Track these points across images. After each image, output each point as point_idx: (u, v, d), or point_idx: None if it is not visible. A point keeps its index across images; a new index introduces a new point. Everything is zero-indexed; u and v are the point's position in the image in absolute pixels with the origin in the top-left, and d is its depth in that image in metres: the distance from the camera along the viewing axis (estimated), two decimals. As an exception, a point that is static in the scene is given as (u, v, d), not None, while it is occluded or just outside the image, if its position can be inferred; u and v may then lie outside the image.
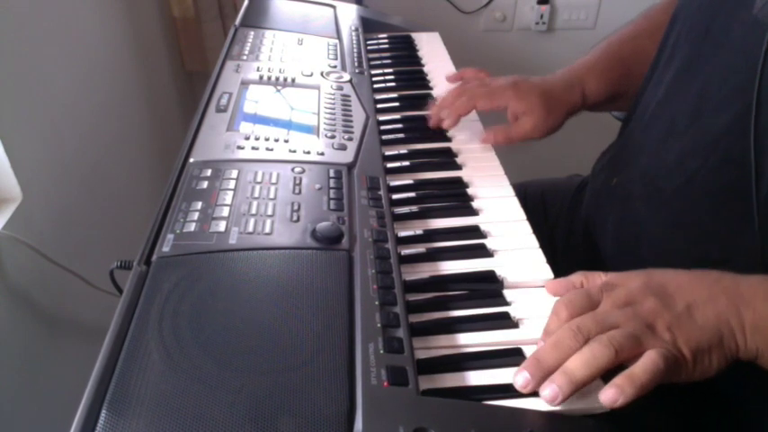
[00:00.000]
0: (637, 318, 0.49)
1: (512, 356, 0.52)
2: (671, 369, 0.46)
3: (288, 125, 0.78)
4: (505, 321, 0.56)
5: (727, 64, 0.61)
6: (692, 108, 0.65)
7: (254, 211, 0.62)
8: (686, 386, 0.56)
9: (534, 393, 0.48)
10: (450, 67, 1.05)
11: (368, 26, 1.17)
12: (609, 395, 0.45)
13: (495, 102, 0.82)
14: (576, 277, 0.57)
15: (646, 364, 0.46)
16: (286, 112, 0.82)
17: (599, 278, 0.55)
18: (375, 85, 0.97)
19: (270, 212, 0.62)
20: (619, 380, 0.46)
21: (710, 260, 0.62)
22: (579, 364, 0.47)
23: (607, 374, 0.48)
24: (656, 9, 0.86)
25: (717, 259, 0.62)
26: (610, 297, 0.51)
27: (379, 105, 0.91)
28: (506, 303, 0.58)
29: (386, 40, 1.15)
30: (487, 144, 0.83)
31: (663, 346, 0.47)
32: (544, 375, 0.47)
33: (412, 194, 0.73)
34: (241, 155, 0.71)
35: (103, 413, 0.43)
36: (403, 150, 0.82)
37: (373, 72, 1.01)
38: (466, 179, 0.76)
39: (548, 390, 0.47)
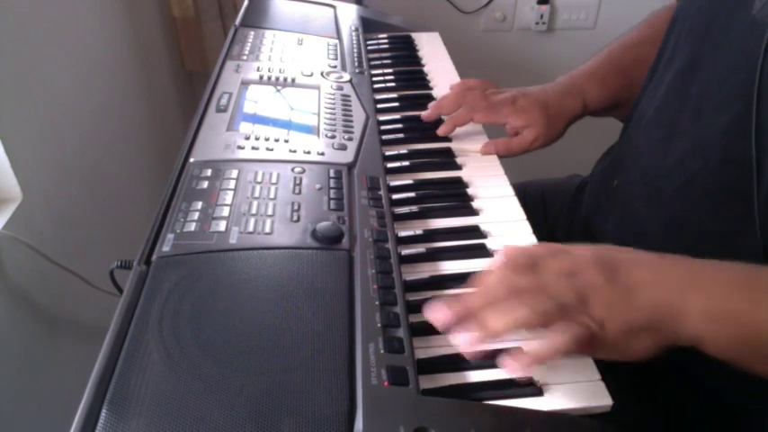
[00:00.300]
0: (572, 289, 0.48)
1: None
2: (585, 346, 0.46)
3: (288, 125, 0.78)
4: (505, 321, 0.55)
5: (726, 64, 0.62)
6: (692, 109, 0.65)
7: (254, 210, 0.62)
8: (686, 387, 0.56)
9: (536, 393, 0.48)
10: (450, 67, 1.05)
11: (368, 26, 1.17)
12: (507, 365, 0.46)
13: (494, 117, 0.83)
14: (534, 246, 0.55)
15: (552, 342, 0.46)
16: (286, 112, 0.82)
17: (555, 247, 0.53)
18: (375, 85, 0.97)
19: (270, 212, 0.62)
20: (521, 356, 0.46)
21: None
22: (497, 317, 0.47)
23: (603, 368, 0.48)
24: (658, 16, 0.86)
25: (717, 259, 0.62)
26: (554, 263, 0.50)
27: (379, 105, 0.91)
28: (506, 303, 0.58)
29: (386, 40, 1.15)
30: (488, 154, 0.82)
31: (586, 322, 0.47)
32: (462, 318, 0.48)
33: (412, 194, 0.73)
34: (241, 155, 0.71)
35: (103, 413, 0.43)
36: (403, 150, 0.82)
37: (373, 72, 1.01)
38: (466, 179, 0.76)
39: (461, 334, 0.47)
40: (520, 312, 0.46)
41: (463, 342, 0.47)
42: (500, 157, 0.82)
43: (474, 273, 0.61)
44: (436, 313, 0.48)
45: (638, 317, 0.47)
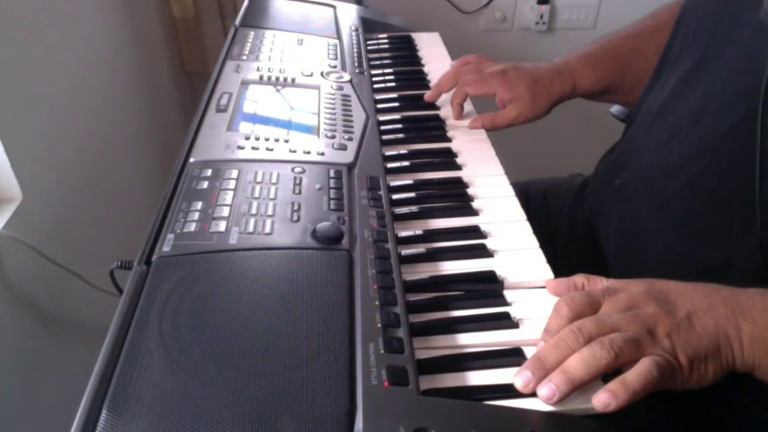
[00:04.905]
0: (638, 321, 0.49)
1: (512, 357, 0.52)
2: (665, 376, 0.46)
3: (288, 125, 0.78)
4: (506, 322, 0.56)
5: (732, 67, 0.61)
6: (695, 110, 0.64)
7: (254, 211, 0.62)
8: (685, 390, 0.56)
9: (534, 393, 0.48)
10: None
11: (368, 26, 1.16)
12: (601, 399, 0.46)
13: (484, 89, 0.87)
14: (578, 278, 0.57)
15: (640, 371, 0.46)
16: (286, 112, 0.82)
17: (600, 282, 0.55)
18: (375, 85, 0.97)
19: (270, 212, 0.62)
20: (612, 385, 0.46)
21: (712, 262, 0.62)
22: (578, 363, 0.47)
23: (606, 378, 0.48)
24: (665, 9, 0.87)
25: (719, 262, 0.62)
26: (612, 300, 0.51)
27: (379, 105, 0.91)
28: (506, 303, 0.58)
29: (386, 40, 1.15)
30: (475, 129, 0.86)
31: (660, 352, 0.47)
32: (544, 375, 0.48)
33: (412, 194, 0.73)
34: (241, 155, 0.71)
35: (103, 413, 0.43)
36: (403, 150, 0.82)
37: (373, 72, 1.01)
38: (466, 179, 0.76)
39: (545, 388, 0.47)
40: (598, 355, 0.46)
41: (550, 398, 0.47)
42: (486, 129, 0.86)
43: (474, 273, 0.62)
44: (521, 379, 0.48)
45: (701, 343, 0.48)
